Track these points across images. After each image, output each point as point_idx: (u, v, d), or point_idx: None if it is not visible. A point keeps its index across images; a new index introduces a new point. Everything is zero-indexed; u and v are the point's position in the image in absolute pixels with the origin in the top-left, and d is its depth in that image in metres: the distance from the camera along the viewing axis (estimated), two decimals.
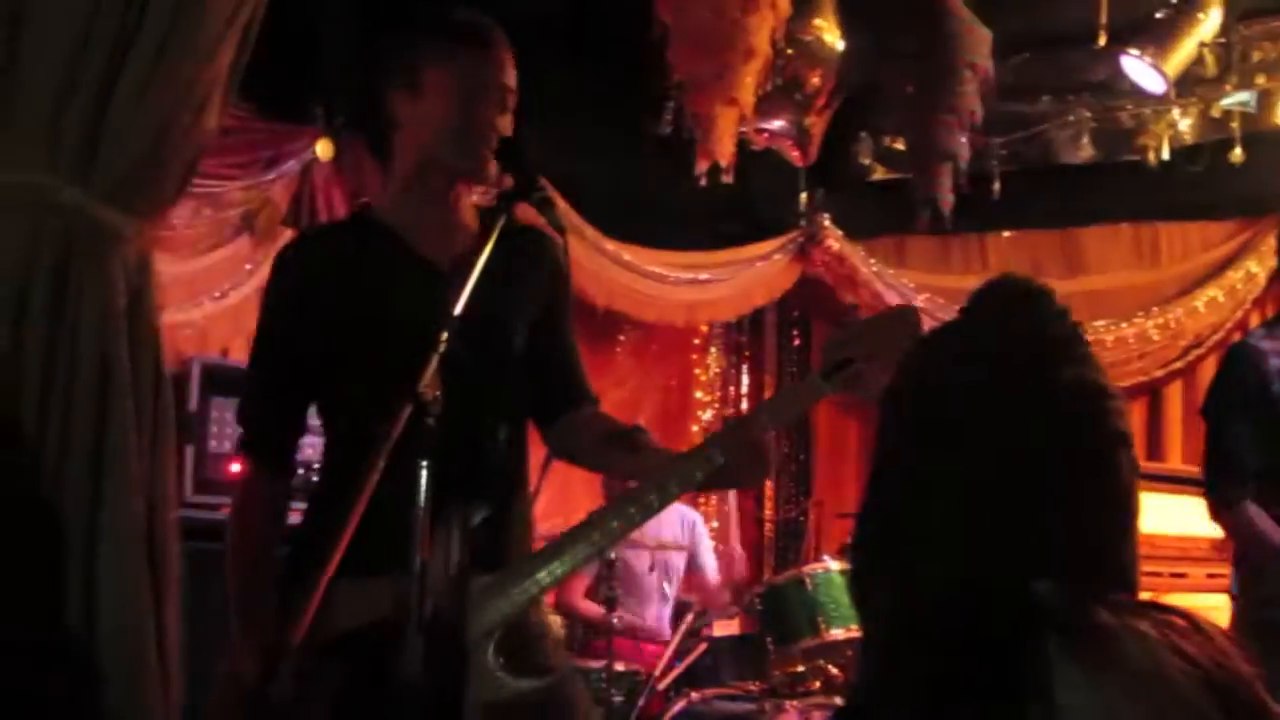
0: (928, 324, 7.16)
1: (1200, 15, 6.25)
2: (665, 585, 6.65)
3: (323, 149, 6.15)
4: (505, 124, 2.72)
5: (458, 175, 2.75)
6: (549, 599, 4.97)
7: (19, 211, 2.32)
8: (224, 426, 5.28)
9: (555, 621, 6.10)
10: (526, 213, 2.61)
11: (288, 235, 6.00)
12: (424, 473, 2.20)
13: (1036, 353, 1.52)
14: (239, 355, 5.61)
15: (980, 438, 1.49)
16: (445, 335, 2.28)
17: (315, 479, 2.87)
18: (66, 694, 2.31)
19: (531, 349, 2.81)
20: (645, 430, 2.75)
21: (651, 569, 6.59)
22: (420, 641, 2.18)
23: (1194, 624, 1.42)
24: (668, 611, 6.67)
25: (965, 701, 1.38)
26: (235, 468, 5.09)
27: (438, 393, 2.22)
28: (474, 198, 2.87)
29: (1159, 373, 7.72)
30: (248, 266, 5.91)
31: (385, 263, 2.73)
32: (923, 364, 1.63)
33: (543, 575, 2.56)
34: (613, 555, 5.62)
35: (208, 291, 5.86)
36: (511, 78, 2.73)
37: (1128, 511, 1.50)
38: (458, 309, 2.33)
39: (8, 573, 2.27)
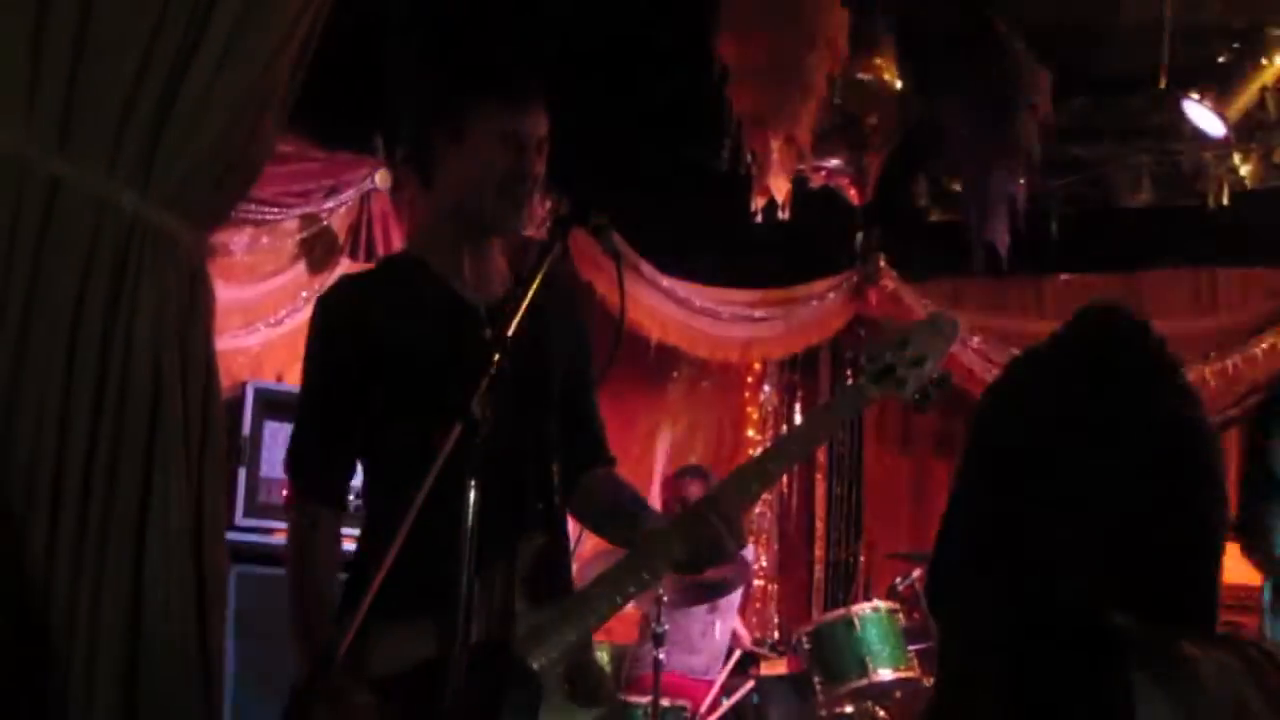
0: (982, 368, 7.08)
1: (1262, 60, 6.22)
2: (718, 625, 6.61)
3: (381, 179, 6.19)
4: (540, 168, 2.75)
5: (489, 229, 2.78)
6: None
7: (79, 215, 2.36)
8: (276, 451, 5.29)
9: (602, 658, 6.08)
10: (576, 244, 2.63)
11: (344, 264, 6.06)
12: (473, 492, 2.20)
13: (1136, 386, 1.51)
14: (293, 381, 5.63)
15: (1077, 467, 1.48)
16: (497, 357, 2.29)
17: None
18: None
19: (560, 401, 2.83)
20: (646, 511, 2.77)
21: (711, 611, 6.54)
22: (470, 677, 2.19)
23: (1271, 658, 1.42)
24: (718, 654, 6.62)
25: None
26: (286, 492, 5.14)
27: (488, 413, 2.22)
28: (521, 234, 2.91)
29: (1215, 419, 7.62)
30: (304, 294, 5.95)
31: (424, 305, 2.74)
32: (1015, 393, 1.62)
33: (602, 605, 2.57)
34: (661, 591, 5.58)
35: (264, 318, 5.92)
36: (545, 127, 2.76)
37: (1211, 547, 1.49)
38: (511, 329, 2.34)
39: (55, 568, 2.29)
